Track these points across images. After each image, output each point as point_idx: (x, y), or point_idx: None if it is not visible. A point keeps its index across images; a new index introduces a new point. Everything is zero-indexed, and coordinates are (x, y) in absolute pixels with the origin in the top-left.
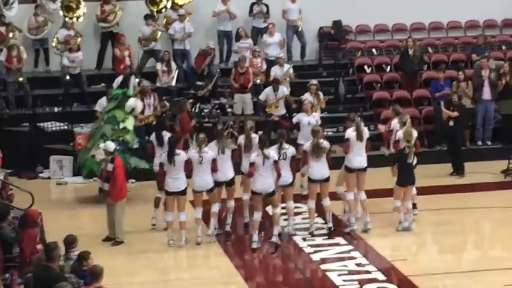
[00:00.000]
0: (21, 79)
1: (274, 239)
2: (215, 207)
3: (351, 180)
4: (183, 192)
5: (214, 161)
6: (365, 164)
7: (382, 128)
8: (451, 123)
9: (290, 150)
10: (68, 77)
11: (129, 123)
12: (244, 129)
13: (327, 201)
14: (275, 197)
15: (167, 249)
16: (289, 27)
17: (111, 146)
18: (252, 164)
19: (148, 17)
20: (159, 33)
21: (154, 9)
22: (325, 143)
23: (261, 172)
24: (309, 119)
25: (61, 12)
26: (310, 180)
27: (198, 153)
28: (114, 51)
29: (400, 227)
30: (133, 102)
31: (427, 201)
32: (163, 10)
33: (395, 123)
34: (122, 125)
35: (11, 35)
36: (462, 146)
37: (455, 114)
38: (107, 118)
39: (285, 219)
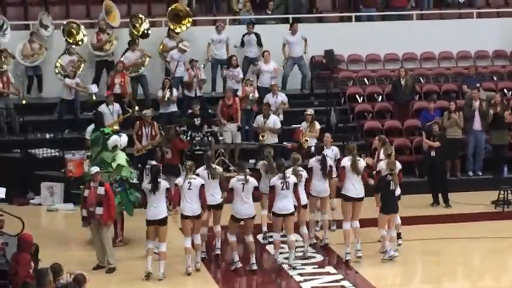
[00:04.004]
0: (24, 102)
1: (254, 267)
2: (198, 239)
3: (347, 209)
4: (163, 222)
5: (202, 187)
6: (362, 194)
7: (369, 160)
8: (433, 153)
9: (292, 179)
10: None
11: (121, 159)
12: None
13: (291, 237)
14: (251, 224)
15: (155, 278)
16: (289, 58)
17: (93, 169)
18: (231, 190)
19: (132, 43)
20: (147, 59)
21: (136, 33)
22: (304, 173)
23: (241, 198)
24: (328, 152)
25: (57, 38)
26: (275, 214)
27: (186, 180)
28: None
29: (387, 256)
30: (114, 139)
31: (416, 231)
32: (145, 33)
33: (382, 153)
34: (114, 164)
35: (4, 61)
36: (445, 176)
37: (436, 144)
38: (97, 164)
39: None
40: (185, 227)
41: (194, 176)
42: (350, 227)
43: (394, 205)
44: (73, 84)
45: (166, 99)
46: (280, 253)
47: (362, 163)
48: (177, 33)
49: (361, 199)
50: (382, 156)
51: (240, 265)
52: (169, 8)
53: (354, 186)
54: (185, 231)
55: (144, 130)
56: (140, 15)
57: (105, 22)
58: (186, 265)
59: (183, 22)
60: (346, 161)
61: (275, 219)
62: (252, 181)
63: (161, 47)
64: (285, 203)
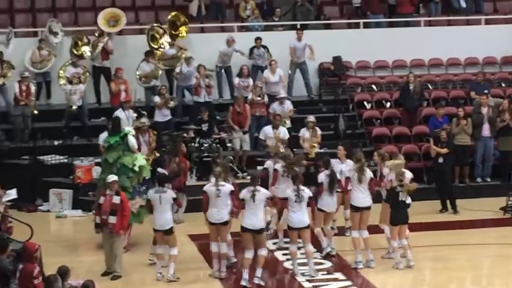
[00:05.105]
0: (36, 112)
1: (256, 280)
2: (224, 248)
3: (355, 218)
4: (170, 232)
5: (232, 193)
6: (369, 203)
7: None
8: (440, 160)
9: (307, 192)
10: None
11: (140, 160)
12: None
13: (308, 247)
14: (263, 237)
15: (164, 286)
16: (293, 64)
17: (109, 177)
18: (241, 200)
19: (149, 55)
20: (160, 71)
21: (155, 46)
22: (307, 190)
23: (250, 208)
24: (342, 167)
25: (66, 45)
26: (290, 228)
27: (215, 187)
28: (109, 85)
29: (396, 267)
30: (133, 140)
31: (425, 237)
32: (162, 47)
33: (385, 169)
34: (136, 168)
35: (5, 72)
36: (451, 183)
37: (444, 151)
38: (117, 170)
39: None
40: (212, 233)
41: (223, 183)
42: (359, 235)
43: (404, 215)
44: (70, 91)
45: (169, 104)
46: (288, 259)
47: (368, 173)
48: (174, 41)
49: (368, 208)
50: (385, 170)
51: (249, 285)
52: (168, 17)
53: (361, 196)
54: (211, 236)
55: (142, 138)
56: (162, 27)
57: (98, 28)
58: (215, 268)
59: (180, 30)
60: (351, 171)
61: (291, 232)
62: (264, 192)
63: (159, 54)
64: (300, 217)
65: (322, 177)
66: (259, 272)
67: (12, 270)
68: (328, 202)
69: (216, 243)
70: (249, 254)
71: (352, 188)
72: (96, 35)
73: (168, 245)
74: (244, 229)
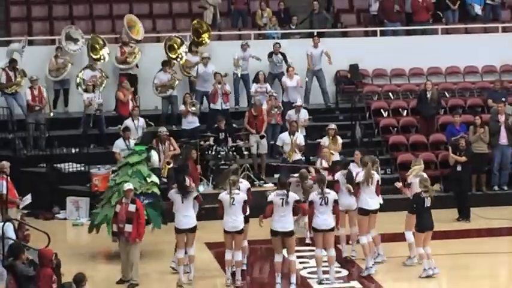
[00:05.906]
0: (52, 114)
1: (293, 286)
2: (239, 256)
3: (364, 223)
4: (193, 230)
5: (245, 202)
6: (377, 206)
7: (399, 185)
8: (459, 168)
9: (332, 195)
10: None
11: (155, 177)
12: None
13: (331, 252)
14: (293, 241)
15: None
16: (309, 72)
17: (126, 186)
18: (269, 203)
19: (166, 64)
20: (177, 81)
21: (172, 56)
22: (332, 193)
23: (280, 213)
24: (359, 170)
25: (86, 52)
26: (315, 230)
27: (229, 195)
28: (117, 94)
29: (424, 274)
30: (156, 158)
31: (442, 245)
32: (180, 57)
33: (411, 178)
34: (148, 180)
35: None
36: (469, 191)
37: (463, 159)
38: (132, 172)
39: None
40: (226, 241)
41: (237, 191)
42: (368, 240)
43: (429, 222)
44: (88, 99)
45: (190, 109)
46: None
47: (376, 176)
48: (197, 48)
49: (375, 211)
50: (409, 178)
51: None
52: (192, 23)
53: (370, 199)
54: (227, 244)
55: (161, 146)
56: (180, 37)
57: (128, 36)
58: (226, 277)
59: (203, 37)
60: (360, 177)
61: (315, 234)
62: (292, 195)
63: (183, 62)
64: (325, 218)
65: (339, 175)
66: (293, 278)
67: (35, 274)
68: (346, 202)
69: (231, 251)
70: (279, 258)
71: (361, 193)
72: (127, 41)
73: (186, 244)
74: (275, 233)
